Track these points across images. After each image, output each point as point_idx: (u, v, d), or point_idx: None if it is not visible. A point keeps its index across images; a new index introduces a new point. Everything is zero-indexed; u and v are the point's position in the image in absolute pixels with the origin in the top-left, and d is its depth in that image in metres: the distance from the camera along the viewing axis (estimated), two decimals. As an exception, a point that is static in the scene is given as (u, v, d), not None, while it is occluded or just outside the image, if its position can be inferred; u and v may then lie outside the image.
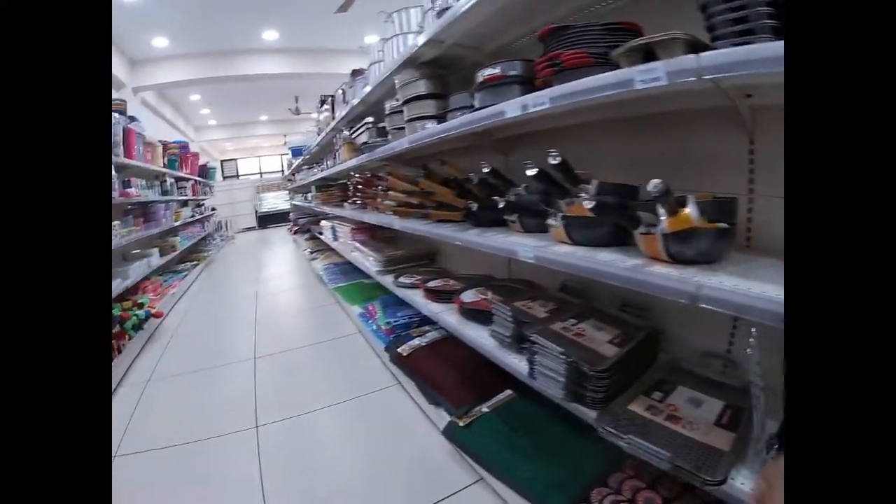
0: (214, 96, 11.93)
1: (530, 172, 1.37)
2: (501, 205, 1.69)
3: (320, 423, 2.40)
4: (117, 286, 4.05)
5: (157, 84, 8.80)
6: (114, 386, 3.16)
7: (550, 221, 1.42)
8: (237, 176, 19.52)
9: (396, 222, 2.53)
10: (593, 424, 1.28)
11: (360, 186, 3.49)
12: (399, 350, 2.54)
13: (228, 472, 2.09)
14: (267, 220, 15.61)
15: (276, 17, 7.42)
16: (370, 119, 3.07)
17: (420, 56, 2.24)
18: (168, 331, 4.44)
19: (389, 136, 2.68)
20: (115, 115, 4.49)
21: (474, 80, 1.74)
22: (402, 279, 2.78)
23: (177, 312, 5.14)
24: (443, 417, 2.05)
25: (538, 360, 1.46)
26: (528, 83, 1.54)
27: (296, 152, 8.63)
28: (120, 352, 3.48)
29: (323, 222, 5.72)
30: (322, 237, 6.00)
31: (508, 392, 2.02)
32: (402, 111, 2.42)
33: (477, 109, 1.68)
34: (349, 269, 4.88)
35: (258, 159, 20.47)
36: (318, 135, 5.45)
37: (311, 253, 6.69)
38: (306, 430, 2.35)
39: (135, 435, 2.53)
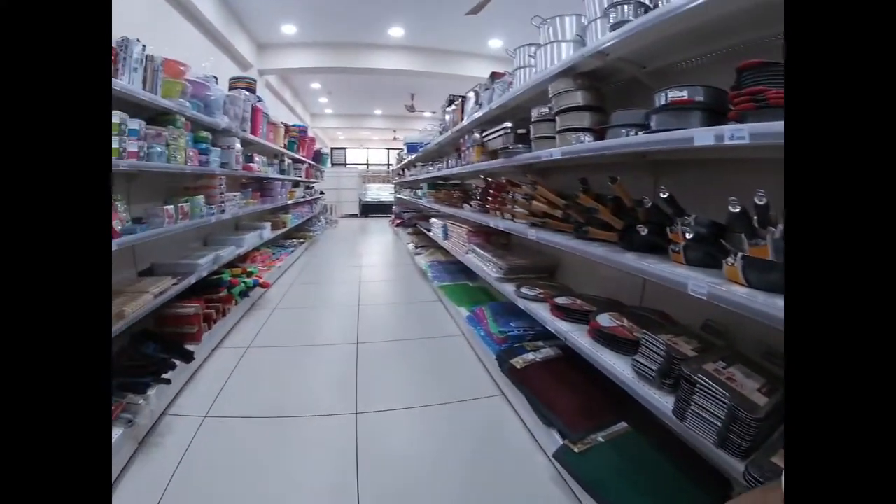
0: (334, 86, 12.54)
1: (733, 210, 1.32)
2: (686, 233, 1.60)
3: (420, 421, 2.42)
4: (230, 252, 4.36)
5: (282, 69, 9.36)
6: (213, 347, 3.42)
7: (728, 259, 1.36)
8: (345, 164, 20.54)
9: (532, 233, 2.51)
10: (728, 471, 1.21)
11: (490, 190, 3.48)
12: (513, 362, 2.50)
13: (324, 452, 2.16)
14: (369, 209, 16.31)
15: (404, 15, 7.64)
16: (509, 124, 3.05)
17: (579, 66, 2.21)
18: (272, 301, 4.75)
19: (532, 144, 2.64)
20: (244, 92, 4.81)
21: (628, 97, 1.68)
22: (524, 290, 2.74)
23: (281, 285, 5.48)
24: (551, 439, 2.01)
25: (694, 399, 1.40)
26: (710, 111, 1.49)
27: (411, 148, 8.83)
28: (224, 315, 3.75)
29: (433, 220, 5.81)
30: (430, 234, 6.09)
31: (623, 424, 1.95)
32: (551, 120, 2.40)
33: (654, 131, 1.63)
34: (454, 269, 4.95)
35: (366, 151, 21.40)
36: (441, 134, 5.53)
37: (416, 248, 6.84)
38: (405, 425, 2.38)
39: (228, 398, 2.70)
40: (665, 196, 1.59)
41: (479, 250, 3.61)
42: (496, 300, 3.61)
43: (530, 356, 2.54)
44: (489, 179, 3.79)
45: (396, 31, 8.34)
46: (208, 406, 2.57)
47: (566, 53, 2.42)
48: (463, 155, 4.31)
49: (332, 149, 19.80)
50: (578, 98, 2.21)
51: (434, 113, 13.39)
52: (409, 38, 8.57)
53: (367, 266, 6.75)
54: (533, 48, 2.80)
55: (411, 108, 13.05)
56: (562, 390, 2.22)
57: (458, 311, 3.70)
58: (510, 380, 2.46)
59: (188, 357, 2.88)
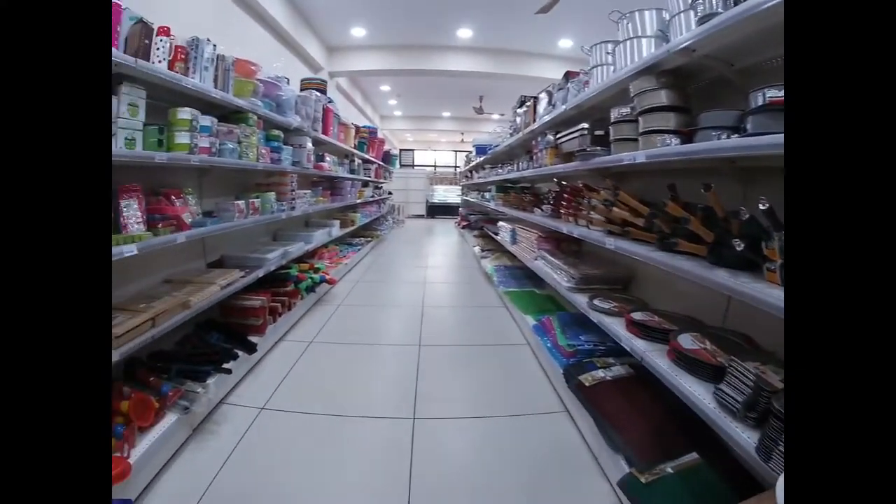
0: (403, 88, 12.72)
1: None
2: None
3: (478, 432, 2.32)
4: (299, 248, 4.44)
5: (352, 71, 9.53)
6: (276, 340, 3.47)
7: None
8: (413, 166, 20.80)
9: (609, 241, 2.33)
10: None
11: (565, 195, 3.32)
12: (581, 378, 2.34)
13: (378, 456, 2.11)
14: (435, 210, 16.42)
15: (473, 16, 7.58)
16: (586, 125, 2.87)
17: (662, 63, 2.03)
18: (337, 298, 4.80)
19: (612, 147, 2.48)
20: (315, 93, 4.89)
21: (715, 97, 1.51)
22: (597, 302, 2.57)
23: (347, 282, 5.55)
24: (617, 465, 1.86)
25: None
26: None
27: (480, 150, 8.77)
28: (290, 309, 3.82)
29: (501, 223, 5.70)
30: (497, 238, 5.98)
31: (694, 455, 1.76)
32: (633, 121, 2.23)
33: (750, 134, 1.46)
34: (521, 275, 4.81)
35: (434, 152, 21.59)
36: (511, 135, 5.41)
37: (482, 251, 6.75)
38: (463, 436, 2.29)
39: (288, 391, 2.72)
40: (765, 208, 1.42)
41: (549, 257, 3.46)
42: (564, 310, 3.45)
43: (600, 373, 2.37)
44: (564, 183, 3.61)
45: (465, 33, 8.29)
46: (266, 398, 2.61)
47: (647, 50, 2.26)
48: (535, 157, 4.16)
49: (400, 150, 20.12)
50: (662, 97, 2.03)
51: (502, 115, 13.26)
52: (478, 39, 8.50)
53: (432, 267, 6.72)
54: (610, 45, 2.65)
55: (479, 111, 12.98)
56: (632, 413, 2.05)
57: (524, 319, 3.55)
58: (577, 397, 2.30)
59: (251, 348, 2.94)
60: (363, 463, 2.07)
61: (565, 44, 8.22)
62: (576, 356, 2.62)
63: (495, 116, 14.03)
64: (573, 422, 2.36)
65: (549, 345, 2.90)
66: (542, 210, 3.93)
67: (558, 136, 3.42)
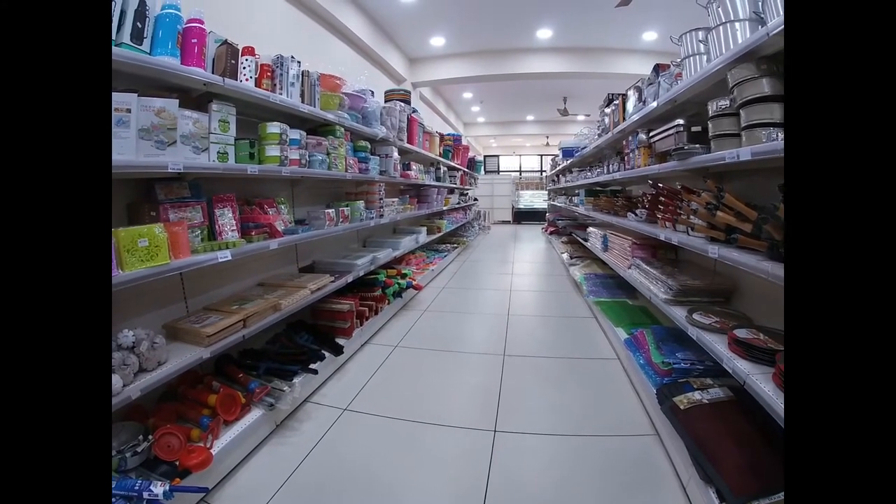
0: (485, 94, 12.60)
1: None
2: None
3: (561, 450, 2.14)
4: (387, 255, 4.51)
5: (433, 80, 9.53)
6: (362, 343, 3.49)
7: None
8: (497, 171, 20.62)
9: (712, 249, 2.05)
10: None
11: (661, 198, 3.02)
12: (675, 400, 2.10)
13: (456, 466, 2.04)
14: (522, 216, 16.15)
15: (552, 15, 7.34)
16: (681, 121, 2.60)
17: (761, 49, 1.77)
18: (423, 304, 4.78)
19: (712, 144, 2.21)
20: (399, 104, 4.92)
21: None
22: (697, 316, 2.29)
23: (433, 288, 5.52)
24: (707, 498, 1.63)
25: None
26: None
27: (566, 153, 8.46)
28: (377, 313, 3.85)
29: (591, 229, 5.41)
30: (587, 244, 5.71)
31: None
32: (734, 114, 1.98)
33: None
34: (612, 284, 4.53)
35: (518, 157, 21.31)
36: (599, 136, 5.14)
37: (571, 258, 6.50)
38: (545, 453, 2.13)
39: (371, 394, 2.71)
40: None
41: (644, 265, 3.17)
42: (659, 323, 3.18)
43: (696, 395, 2.10)
44: (660, 185, 3.28)
45: (544, 33, 8.03)
46: (350, 399, 2.64)
47: (742, 36, 2.00)
48: (627, 158, 3.89)
49: (484, 156, 20.06)
50: (764, 87, 1.77)
51: (588, 116, 12.78)
52: (558, 38, 8.21)
53: (518, 274, 6.53)
54: (702, 32, 2.39)
55: (564, 112, 12.57)
56: (729, 442, 1.79)
57: (615, 332, 3.31)
58: (669, 420, 2.07)
59: (338, 350, 3.00)
60: (440, 472, 2.01)
61: (650, 36, 7.73)
62: (671, 375, 2.36)
63: (580, 117, 13.54)
64: (663, 446, 2.13)
65: (641, 361, 2.65)
66: (635, 214, 3.63)
67: (651, 134, 3.15)
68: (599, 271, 5.23)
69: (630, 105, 3.82)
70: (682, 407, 2.03)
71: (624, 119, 3.97)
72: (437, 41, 8.28)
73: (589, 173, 6.23)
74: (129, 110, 1.79)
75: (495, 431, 2.29)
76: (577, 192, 7.28)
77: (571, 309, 4.52)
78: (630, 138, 3.76)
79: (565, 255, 6.84)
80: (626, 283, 3.74)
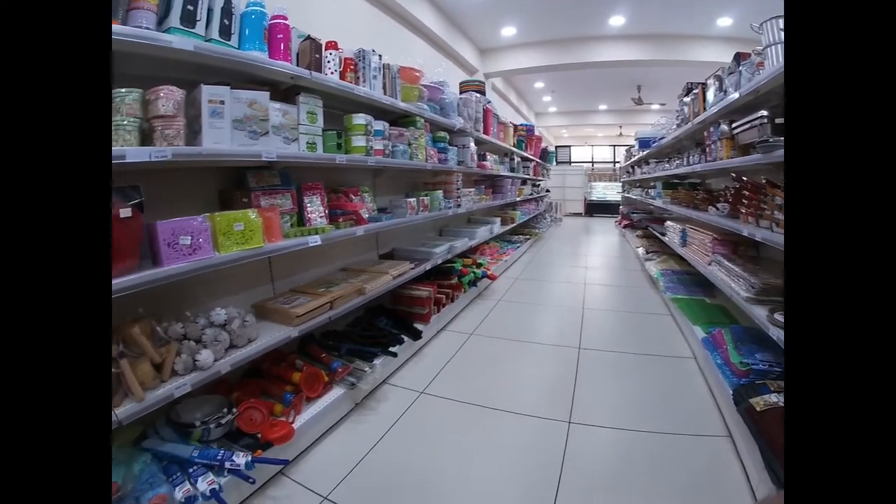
0: (557, 84, 12.03)
1: None
2: None
3: (633, 446, 1.99)
4: (463, 244, 4.42)
5: (505, 71, 9.14)
6: (438, 329, 3.43)
7: None
8: (569, 162, 19.85)
9: None
10: None
11: (745, 192, 2.74)
12: (752, 401, 1.86)
13: (529, 452, 1.96)
14: (594, 208, 15.39)
15: (623, 2, 6.85)
16: (764, 113, 2.33)
17: None
18: (497, 293, 4.65)
19: None
20: (475, 94, 4.77)
21: None
22: (778, 316, 2.02)
23: (506, 278, 5.37)
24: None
25: None
26: None
27: (643, 143, 7.94)
28: (453, 301, 3.78)
29: (668, 223, 5.04)
30: (664, 239, 5.34)
31: None
32: None
33: None
34: (689, 281, 4.16)
35: (591, 148, 20.39)
36: (678, 127, 4.77)
37: (646, 252, 6.09)
38: (617, 448, 1.99)
39: (446, 379, 2.65)
40: None
41: (725, 262, 2.89)
42: (737, 323, 2.89)
43: (773, 398, 1.86)
44: (744, 179, 3.00)
45: (617, 20, 7.49)
46: (426, 383, 2.59)
47: None
48: (708, 150, 3.57)
49: (556, 147, 19.35)
50: None
51: (663, 105, 11.96)
52: (631, 25, 7.62)
53: (592, 268, 6.19)
54: (782, 20, 2.12)
55: (638, 101, 11.77)
56: None
57: (692, 330, 3.04)
58: (744, 421, 1.85)
59: (416, 335, 2.97)
60: (513, 458, 1.92)
61: (724, 22, 7.00)
62: (748, 376, 2.11)
63: (655, 107, 12.68)
64: (735, 450, 1.91)
65: (718, 361, 2.41)
66: (716, 209, 3.30)
67: (734, 125, 2.85)
68: (676, 267, 4.84)
69: (710, 95, 3.49)
70: (758, 409, 1.81)
71: (704, 109, 3.64)
72: (509, 31, 7.96)
73: (667, 165, 5.79)
74: (222, 102, 1.81)
75: (570, 423, 2.17)
76: (653, 184, 6.82)
77: (647, 305, 4.21)
78: (711, 129, 3.43)
79: (640, 250, 6.42)
80: (704, 281, 3.47)
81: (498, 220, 6.16)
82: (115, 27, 1.46)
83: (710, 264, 3.15)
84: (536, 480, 1.77)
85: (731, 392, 2.09)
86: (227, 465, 1.57)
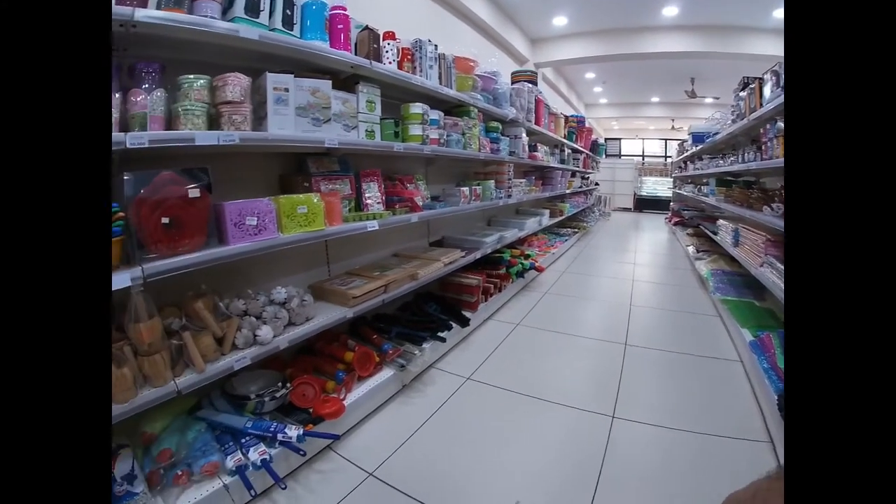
0: (608, 75, 11.53)
1: None
2: None
3: (675, 444, 1.91)
4: (513, 235, 4.32)
5: (556, 61, 8.85)
6: (485, 318, 3.40)
7: None
8: (619, 155, 19.10)
9: None
10: None
11: None
12: None
13: (571, 443, 1.92)
14: (643, 204, 14.75)
15: None
16: None
17: None
18: (544, 285, 4.55)
19: None
20: (527, 84, 4.63)
21: None
22: None
23: (553, 271, 5.25)
24: None
25: None
26: None
27: (696, 138, 7.52)
28: (500, 291, 3.73)
29: (721, 221, 4.76)
30: (716, 238, 5.06)
31: None
32: None
33: None
34: (740, 283, 3.94)
35: (641, 141, 19.53)
36: (733, 122, 4.49)
37: (697, 251, 5.80)
38: (659, 445, 1.91)
39: (492, 367, 2.62)
40: None
41: (777, 264, 2.71)
42: None
43: None
44: None
45: (670, 11, 7.08)
46: (473, 369, 2.57)
47: None
48: (764, 148, 3.34)
49: (605, 139, 18.62)
50: None
51: (717, 98, 11.31)
52: (685, 16, 7.21)
53: (640, 265, 5.93)
54: None
55: (692, 94, 11.11)
56: None
57: (740, 333, 2.87)
58: None
59: (465, 322, 2.95)
60: (556, 448, 1.88)
61: (780, 14, 6.52)
62: None
63: (708, 100, 11.95)
64: (775, 454, 1.80)
65: (765, 365, 2.26)
66: (771, 209, 3.09)
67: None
68: (727, 268, 4.57)
69: (767, 90, 3.24)
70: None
71: (761, 105, 3.39)
72: (560, 21, 7.69)
73: (721, 161, 5.46)
74: (286, 90, 1.83)
75: (613, 417, 2.10)
76: (706, 181, 6.47)
77: (696, 305, 4.00)
78: (768, 126, 3.20)
79: (691, 249, 6.11)
80: (755, 283, 3.30)
81: (547, 212, 6.02)
82: (184, 16, 1.50)
83: (761, 266, 2.96)
84: (578, 471, 1.73)
85: (775, 398, 1.97)
86: (280, 436, 1.61)
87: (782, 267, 2.61)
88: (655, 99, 14.35)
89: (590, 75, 11.78)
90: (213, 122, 1.65)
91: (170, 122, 1.55)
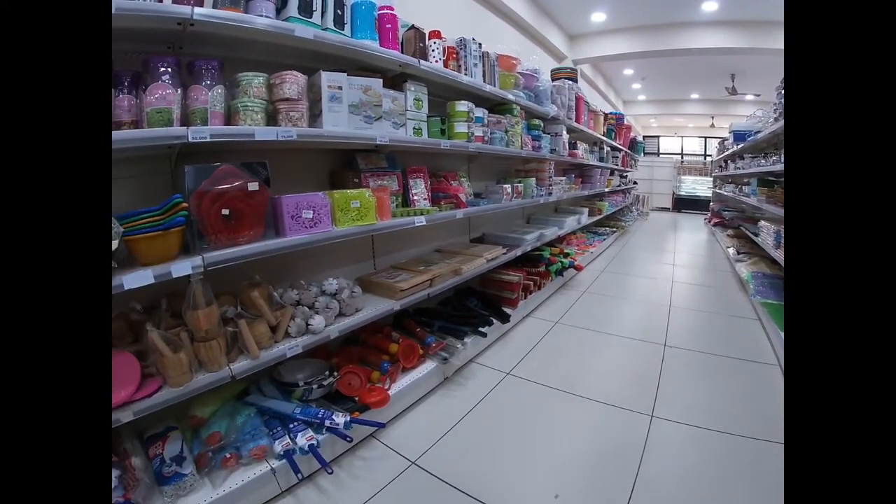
0: (647, 71, 11.03)
1: None
2: None
3: (713, 447, 1.81)
4: (552, 232, 4.23)
5: (594, 57, 8.56)
6: (525, 315, 3.33)
7: None
8: (657, 154, 18.37)
9: None
10: None
11: None
12: None
13: (609, 441, 1.86)
14: (682, 203, 14.18)
15: None
16: None
17: None
18: (582, 284, 4.43)
19: None
20: (568, 82, 4.51)
21: None
22: None
23: (592, 270, 5.11)
24: None
25: None
26: None
27: (738, 136, 7.13)
28: (540, 288, 3.66)
29: (762, 222, 4.51)
30: (757, 239, 4.81)
31: None
32: None
33: None
34: (781, 286, 3.69)
35: (680, 139, 18.70)
36: (776, 121, 4.24)
37: (737, 253, 5.53)
38: (697, 447, 1.82)
39: (532, 363, 2.58)
40: None
41: None
42: None
43: None
44: None
45: (710, 6, 6.75)
46: (512, 365, 2.52)
47: None
48: None
49: (644, 137, 17.94)
50: None
51: (758, 96, 10.72)
52: (724, 11, 6.85)
53: (680, 265, 5.71)
54: None
55: (732, 91, 10.49)
56: None
57: (780, 337, 2.71)
58: None
59: (505, 318, 2.90)
60: (594, 445, 1.83)
61: None
62: None
63: (749, 97, 11.34)
64: None
65: None
66: None
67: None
68: (768, 270, 4.33)
69: None
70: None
71: None
72: (598, 17, 7.44)
73: (763, 161, 5.16)
74: (340, 87, 1.83)
75: (652, 416, 2.02)
76: (747, 180, 6.15)
77: (736, 308, 3.79)
78: None
79: (731, 250, 5.81)
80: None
81: (585, 210, 5.86)
82: (245, 16, 1.51)
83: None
84: (616, 468, 1.68)
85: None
86: (327, 423, 1.61)
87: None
88: (695, 96, 13.71)
89: (628, 72, 11.33)
90: (270, 119, 1.66)
91: (228, 117, 1.57)
